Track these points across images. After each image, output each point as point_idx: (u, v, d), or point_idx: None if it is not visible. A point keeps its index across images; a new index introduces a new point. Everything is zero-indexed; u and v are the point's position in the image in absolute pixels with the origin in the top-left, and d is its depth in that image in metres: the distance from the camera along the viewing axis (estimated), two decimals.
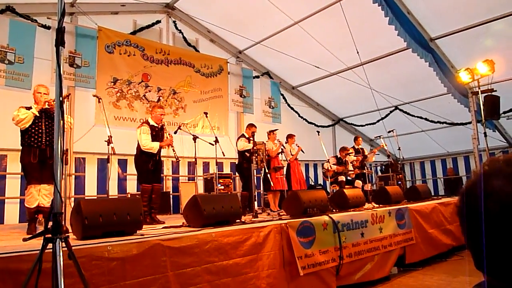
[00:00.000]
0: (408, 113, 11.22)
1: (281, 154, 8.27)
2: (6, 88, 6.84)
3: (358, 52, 8.21)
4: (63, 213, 3.10)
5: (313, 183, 11.85)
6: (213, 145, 6.91)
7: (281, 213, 6.01)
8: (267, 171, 7.06)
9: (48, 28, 7.35)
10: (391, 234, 5.64)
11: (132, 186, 8.36)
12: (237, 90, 10.64)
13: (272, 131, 8.28)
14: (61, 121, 2.28)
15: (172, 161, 8.82)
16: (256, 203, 6.38)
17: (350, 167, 9.48)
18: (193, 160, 6.96)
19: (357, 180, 9.51)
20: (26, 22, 7.17)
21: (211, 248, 3.50)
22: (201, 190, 9.18)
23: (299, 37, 9.28)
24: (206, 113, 7.79)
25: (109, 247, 2.89)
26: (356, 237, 5.08)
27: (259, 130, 7.76)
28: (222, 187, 8.66)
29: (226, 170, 10.06)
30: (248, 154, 7.10)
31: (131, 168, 8.20)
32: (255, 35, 9.73)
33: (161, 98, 9.06)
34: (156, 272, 3.07)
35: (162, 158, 6.06)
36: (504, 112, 8.88)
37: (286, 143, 8.51)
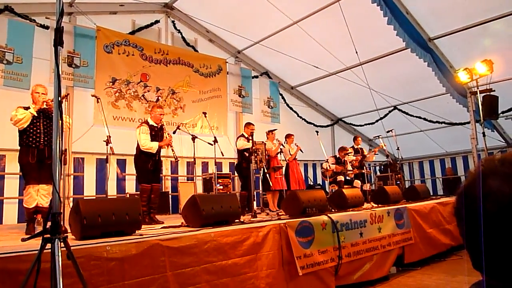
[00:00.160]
0: (407, 113, 11.23)
1: (280, 154, 8.26)
2: (4, 88, 6.82)
3: (357, 52, 8.21)
4: (62, 213, 3.10)
5: (312, 183, 11.85)
6: (212, 145, 6.91)
7: (280, 213, 6.01)
8: (266, 171, 7.06)
9: (47, 28, 7.32)
10: (390, 234, 5.65)
11: (131, 186, 8.36)
12: (236, 90, 10.64)
13: (271, 131, 8.29)
14: (60, 121, 2.28)
15: (171, 161, 8.81)
16: (255, 203, 6.38)
17: (349, 167, 9.49)
18: (192, 160, 6.97)
19: (356, 180, 9.51)
20: (25, 22, 7.14)
21: (210, 248, 3.50)
22: (200, 190, 9.18)
23: (298, 37, 9.28)
24: (205, 113, 7.79)
25: (108, 247, 2.89)
26: (355, 237, 5.08)
27: (258, 130, 7.75)
28: (221, 187, 8.66)
29: (225, 170, 10.06)
30: (247, 154, 7.10)
31: (130, 168, 8.19)
32: (254, 35, 9.73)
33: (160, 98, 9.05)
34: (155, 272, 3.07)
35: (161, 158, 6.05)
36: (503, 112, 8.89)
37: (285, 143, 8.52)
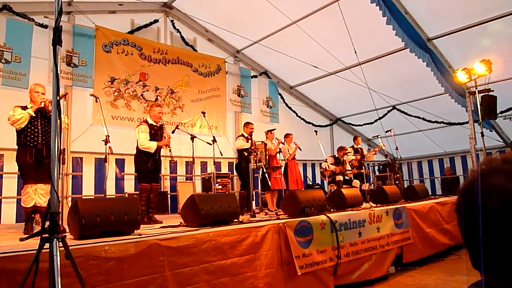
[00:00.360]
0: (405, 113, 11.24)
1: (279, 153, 8.27)
2: (3, 87, 6.80)
3: (356, 52, 8.21)
4: (60, 212, 3.09)
5: (311, 183, 11.85)
6: (211, 144, 6.90)
7: (279, 213, 6.01)
8: (265, 170, 7.05)
9: (45, 27, 7.31)
10: (388, 233, 5.65)
11: (129, 186, 8.35)
12: (235, 90, 10.63)
13: (270, 130, 8.29)
14: (58, 121, 2.27)
15: (175, 160, 8.79)
16: (254, 202, 6.37)
17: (348, 167, 9.49)
18: (191, 159, 6.95)
19: (355, 180, 9.51)
20: (23, 21, 7.12)
21: (209, 247, 3.50)
22: (199, 189, 9.17)
23: (297, 36, 9.28)
24: (204, 113, 7.78)
25: (107, 247, 2.89)
26: (354, 236, 5.09)
27: (257, 129, 7.75)
28: (220, 187, 8.65)
29: (224, 169, 10.05)
30: (246, 154, 7.10)
31: (129, 168, 8.19)
32: (253, 34, 9.72)
33: (158, 97, 9.03)
34: (153, 272, 3.07)
35: (161, 158, 6.04)
36: (501, 112, 8.90)
37: (284, 142, 8.52)
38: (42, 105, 4.70)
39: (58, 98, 2.30)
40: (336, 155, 9.51)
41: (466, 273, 5.01)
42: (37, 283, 2.19)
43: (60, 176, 4.07)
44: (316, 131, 8.98)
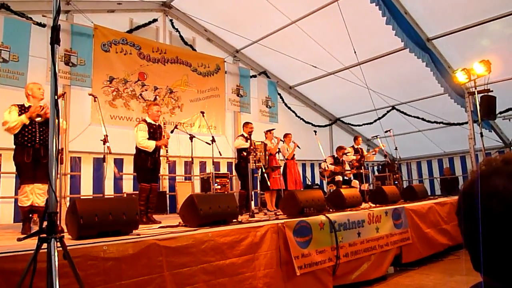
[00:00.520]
0: (405, 113, 11.24)
1: (278, 153, 8.25)
2: (0, 86, 6.77)
3: (355, 52, 8.20)
4: (58, 212, 3.07)
5: (310, 183, 11.85)
6: (209, 144, 6.88)
7: (278, 213, 6.00)
8: (264, 170, 7.04)
9: (43, 26, 7.28)
10: (387, 233, 5.64)
11: (128, 186, 8.33)
12: (234, 90, 10.61)
13: (269, 130, 8.28)
14: (56, 120, 2.26)
15: (169, 161, 8.77)
16: (253, 202, 6.36)
17: (347, 167, 9.48)
18: (190, 159, 6.93)
19: (354, 180, 9.51)
20: (21, 20, 7.08)
21: (208, 247, 3.49)
22: (197, 189, 9.16)
23: (297, 36, 9.27)
24: (203, 113, 7.75)
25: (105, 247, 2.88)
26: (353, 236, 5.07)
27: (256, 129, 7.74)
28: (219, 187, 8.64)
29: (223, 169, 10.04)
30: (245, 153, 7.09)
31: (127, 168, 8.18)
32: (252, 34, 9.70)
33: (157, 97, 9.01)
34: (152, 272, 3.05)
35: (160, 157, 6.02)
36: (500, 113, 8.89)
37: (283, 142, 8.50)
38: (38, 119, 4.62)
39: (56, 98, 2.29)
40: (335, 155, 9.50)
41: (465, 273, 5.01)
42: (34, 284, 2.18)
43: (58, 176, 4.05)
44: (315, 131, 8.96)
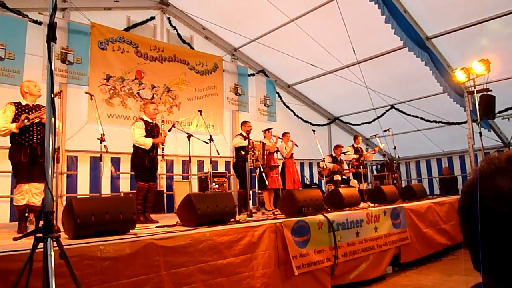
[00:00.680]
0: (404, 112, 11.22)
1: (276, 152, 8.23)
2: None
3: (354, 51, 8.18)
4: (55, 212, 3.04)
5: (308, 182, 11.82)
6: (207, 143, 6.85)
7: (276, 212, 5.98)
8: (262, 170, 7.01)
9: (40, 23, 7.22)
10: (386, 233, 5.63)
11: (125, 185, 8.29)
12: (232, 88, 10.58)
13: (268, 129, 8.25)
14: (53, 119, 2.25)
15: (166, 159, 8.74)
16: (251, 202, 6.33)
17: (345, 166, 9.47)
18: (188, 158, 6.90)
19: (352, 179, 9.49)
20: (17, 17, 7.02)
21: (205, 247, 3.48)
22: (195, 189, 9.13)
23: (295, 35, 9.23)
24: (200, 111, 7.71)
25: (102, 247, 2.87)
26: (351, 236, 5.06)
27: (254, 128, 7.71)
28: (217, 186, 8.61)
29: (221, 168, 10.00)
30: (243, 152, 7.06)
31: (124, 167, 8.14)
32: (250, 32, 9.66)
33: (155, 95, 8.97)
34: (149, 271, 3.04)
35: (158, 156, 5.98)
36: (500, 112, 8.90)
37: (281, 141, 8.48)
38: (27, 122, 4.56)
39: (52, 96, 2.28)
40: (333, 154, 9.48)
41: (464, 273, 5.00)
42: (31, 283, 2.17)
43: (55, 175, 4.01)
44: (313, 130, 8.92)
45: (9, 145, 4.67)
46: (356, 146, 9.74)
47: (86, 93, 5.93)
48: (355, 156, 9.40)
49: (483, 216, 0.71)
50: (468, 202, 0.77)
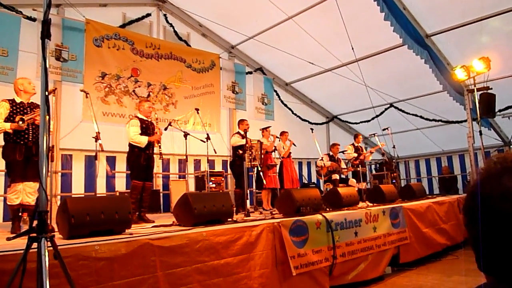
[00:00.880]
0: (403, 111, 11.17)
1: (274, 152, 8.17)
2: None
3: (353, 48, 8.10)
4: (49, 211, 2.99)
5: (306, 182, 11.78)
6: (204, 142, 6.80)
7: (273, 212, 5.93)
8: (259, 169, 6.95)
9: (34, 20, 7.13)
10: (385, 233, 5.61)
11: (120, 184, 8.22)
12: (230, 86, 10.51)
13: (265, 128, 8.21)
14: (47, 117, 2.25)
15: (162, 158, 8.66)
16: (248, 201, 6.28)
17: (343, 165, 9.42)
18: (184, 157, 6.84)
19: (351, 179, 9.45)
20: (11, 14, 6.93)
21: (202, 247, 3.45)
22: (192, 188, 9.07)
23: (293, 32, 9.17)
24: (197, 110, 7.63)
25: (97, 247, 2.86)
26: (350, 236, 5.04)
27: (252, 127, 7.66)
28: (214, 185, 8.56)
29: (218, 167, 9.93)
30: (240, 151, 7.00)
31: (120, 166, 8.07)
32: (248, 29, 9.58)
33: (151, 93, 8.88)
34: (145, 272, 3.02)
35: (154, 155, 5.90)
36: (500, 111, 8.87)
37: (279, 140, 8.42)
38: (22, 125, 4.48)
39: (46, 94, 2.26)
40: (331, 153, 9.43)
41: (464, 273, 4.96)
42: (24, 284, 2.15)
43: (49, 173, 3.94)
44: (312, 129, 8.88)
45: (3, 143, 4.60)
46: (356, 145, 9.69)
47: (81, 90, 5.85)
48: (355, 154, 9.35)
49: (489, 216, 0.71)
50: (473, 202, 0.76)
